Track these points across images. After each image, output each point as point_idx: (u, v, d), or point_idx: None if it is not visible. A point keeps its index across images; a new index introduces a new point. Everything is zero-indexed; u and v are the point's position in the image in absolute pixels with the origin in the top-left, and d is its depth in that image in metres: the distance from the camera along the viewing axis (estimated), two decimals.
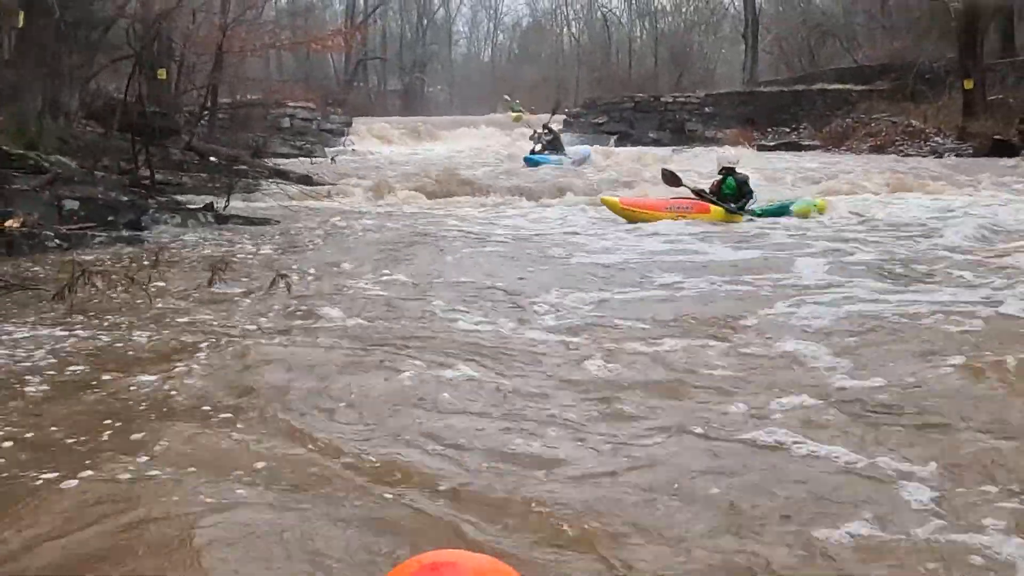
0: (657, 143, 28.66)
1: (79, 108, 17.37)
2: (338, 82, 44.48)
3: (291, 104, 27.82)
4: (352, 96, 40.56)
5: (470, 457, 3.02)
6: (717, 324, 4.95)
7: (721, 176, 10.79)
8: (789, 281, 6.43)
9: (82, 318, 5.01)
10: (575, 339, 4.65)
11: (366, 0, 47.09)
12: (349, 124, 30.31)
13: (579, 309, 5.47)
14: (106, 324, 4.89)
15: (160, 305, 5.35)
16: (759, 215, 10.60)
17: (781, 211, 10.87)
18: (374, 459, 2.99)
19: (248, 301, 5.59)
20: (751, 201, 10.70)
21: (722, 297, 5.88)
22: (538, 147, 20.28)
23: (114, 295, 5.56)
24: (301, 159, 19.23)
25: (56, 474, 2.81)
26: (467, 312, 5.29)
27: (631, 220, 10.36)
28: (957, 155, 19.43)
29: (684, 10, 53.02)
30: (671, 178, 11.09)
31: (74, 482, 2.74)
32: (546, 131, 20.94)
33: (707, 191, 10.73)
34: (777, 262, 7.37)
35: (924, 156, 19.94)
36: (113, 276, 5.70)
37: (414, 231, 9.83)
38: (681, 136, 30.07)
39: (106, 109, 18.85)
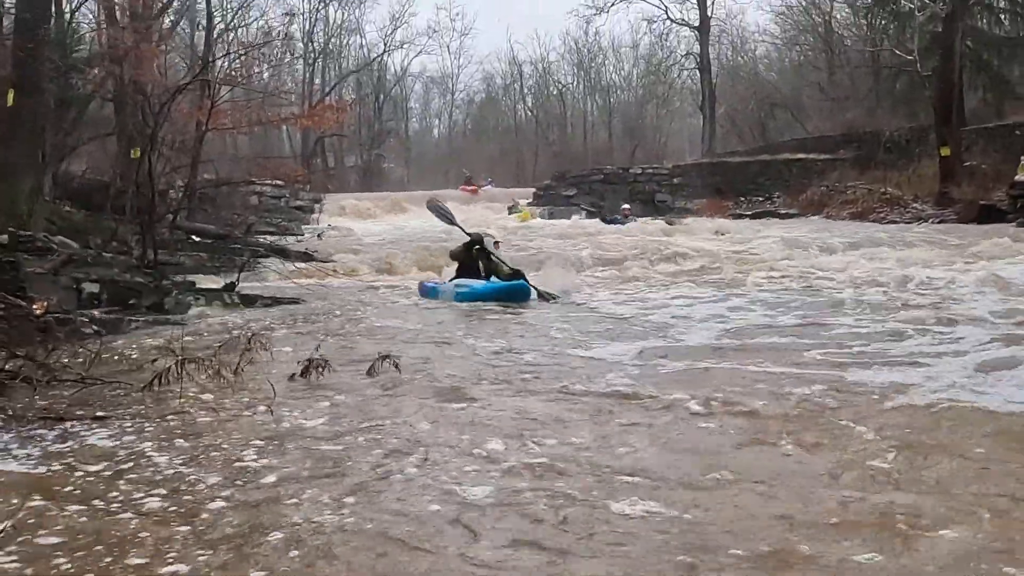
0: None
1: (52, 188, 16.80)
2: (295, 159, 44.13)
3: (258, 182, 27.34)
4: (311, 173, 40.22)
5: None
6: None
7: None
8: None
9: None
10: None
11: (323, 78, 47.18)
12: (319, 201, 29.93)
13: None
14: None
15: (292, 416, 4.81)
16: None
17: None
18: None
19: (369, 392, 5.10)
20: None
21: None
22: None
23: (218, 386, 5.03)
24: (287, 237, 18.71)
25: None
26: None
27: None
28: (942, 221, 19.65)
29: (635, 84, 54.12)
30: None
31: None
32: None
33: None
34: None
35: (908, 223, 20.14)
36: (205, 363, 5.16)
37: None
38: (651, 207, 30.18)
39: (84, 189, 18.32)
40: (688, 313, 8.69)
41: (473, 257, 10.34)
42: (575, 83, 55.72)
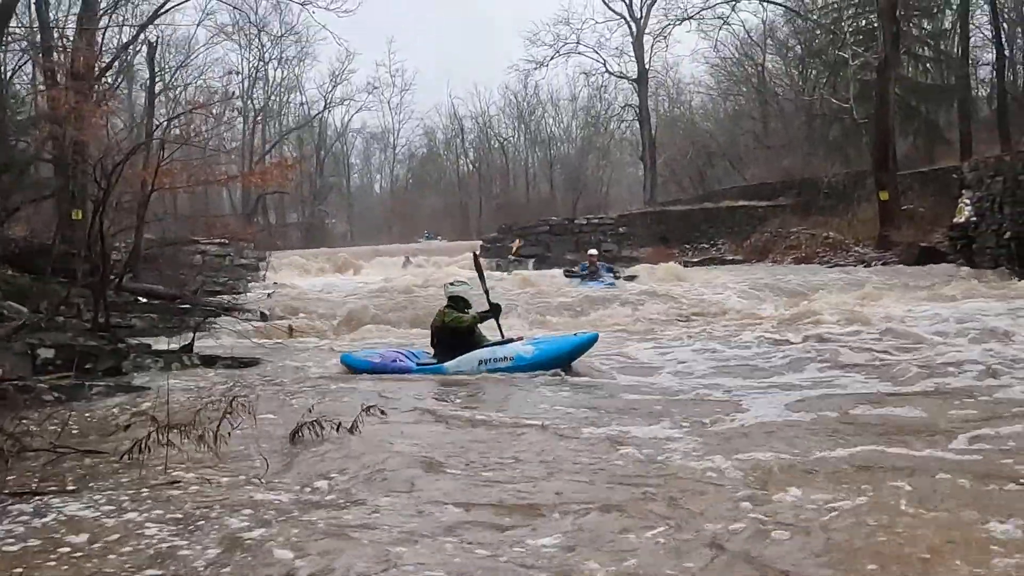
0: (574, 265, 28.78)
1: None
2: (236, 217, 43.66)
3: (203, 241, 26.95)
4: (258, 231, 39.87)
5: None
6: None
7: None
8: None
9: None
10: None
11: (264, 136, 46.98)
12: (263, 259, 29.55)
13: None
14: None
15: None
16: None
17: None
18: None
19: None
20: None
21: None
22: None
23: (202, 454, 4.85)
24: (236, 296, 18.41)
25: None
26: None
27: None
28: (885, 263, 20.10)
29: (575, 136, 54.90)
30: None
31: None
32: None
33: None
34: None
35: (852, 266, 20.58)
36: (187, 429, 4.97)
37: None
38: None
39: (25, 252, 17.84)
40: (741, 377, 7.72)
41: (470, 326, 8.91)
42: (516, 136, 56.39)
